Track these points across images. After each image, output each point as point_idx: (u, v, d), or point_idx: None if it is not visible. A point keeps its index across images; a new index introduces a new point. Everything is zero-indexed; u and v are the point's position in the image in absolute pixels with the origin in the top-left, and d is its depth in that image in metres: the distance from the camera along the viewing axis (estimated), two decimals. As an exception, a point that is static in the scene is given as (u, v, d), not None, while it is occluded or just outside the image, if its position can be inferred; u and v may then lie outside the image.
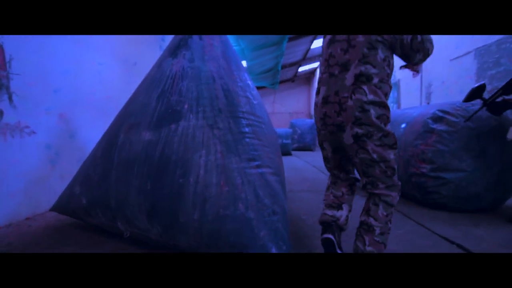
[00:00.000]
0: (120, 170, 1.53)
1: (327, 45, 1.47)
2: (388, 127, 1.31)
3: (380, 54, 1.28)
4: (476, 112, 2.32)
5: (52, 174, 2.64)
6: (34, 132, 2.43)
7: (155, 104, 1.61)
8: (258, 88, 15.66)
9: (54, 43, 2.63)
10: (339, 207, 1.53)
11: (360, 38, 1.29)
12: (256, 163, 1.48)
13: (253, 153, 1.51)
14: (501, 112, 2.23)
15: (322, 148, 1.58)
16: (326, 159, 1.58)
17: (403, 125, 2.87)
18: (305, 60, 12.67)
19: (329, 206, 1.55)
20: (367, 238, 1.32)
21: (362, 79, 1.27)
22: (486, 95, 2.30)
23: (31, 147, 2.41)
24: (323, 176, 4.59)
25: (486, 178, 2.43)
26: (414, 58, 1.34)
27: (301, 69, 14.59)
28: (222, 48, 1.95)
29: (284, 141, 8.83)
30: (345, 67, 1.33)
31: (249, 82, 2.01)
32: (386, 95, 1.34)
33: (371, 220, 1.32)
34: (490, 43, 3.96)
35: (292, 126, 10.76)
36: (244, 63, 8.47)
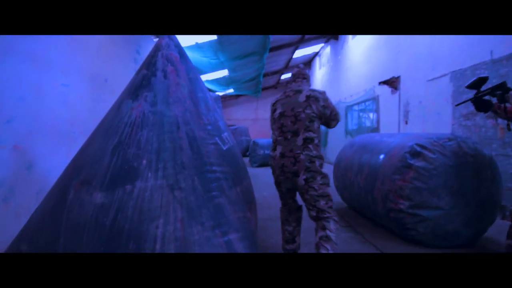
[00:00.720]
0: (68, 235, 1.34)
1: (278, 118, 2.07)
2: (324, 170, 1.94)
3: (316, 124, 1.97)
4: (466, 100, 2.30)
5: (5, 213, 2.38)
6: (-18, 170, 2.18)
7: (109, 158, 1.43)
8: (242, 95, 15.54)
9: (8, 67, 2.38)
10: (293, 241, 2.16)
11: (303, 115, 1.95)
12: (222, 229, 1.33)
13: (219, 217, 1.36)
14: (483, 110, 2.13)
15: (279, 188, 2.18)
16: (282, 194, 2.20)
17: (381, 156, 2.81)
18: (287, 68, 12.74)
19: (286, 241, 2.17)
20: (328, 246, 1.80)
21: (308, 141, 1.93)
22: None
23: (-21, 187, 2.16)
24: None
25: (463, 215, 2.40)
26: (331, 124, 2.07)
27: (283, 76, 14.62)
28: (189, 87, 1.80)
29: (266, 151, 9.32)
30: (295, 134, 1.97)
31: (220, 123, 1.87)
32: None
33: (328, 232, 1.83)
34: (466, 67, 4.01)
35: (275, 135, 10.81)
36: (226, 71, 8.33)
